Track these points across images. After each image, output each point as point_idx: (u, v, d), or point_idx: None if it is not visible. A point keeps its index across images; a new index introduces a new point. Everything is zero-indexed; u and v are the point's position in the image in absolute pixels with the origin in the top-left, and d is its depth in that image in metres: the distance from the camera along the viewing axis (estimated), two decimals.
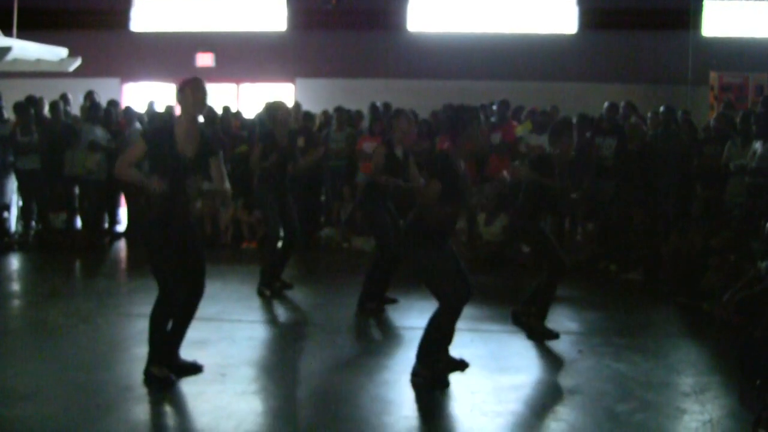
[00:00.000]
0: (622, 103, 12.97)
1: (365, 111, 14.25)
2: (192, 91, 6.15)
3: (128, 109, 13.91)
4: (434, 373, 6.39)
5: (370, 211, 8.79)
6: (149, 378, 6.22)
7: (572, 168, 9.78)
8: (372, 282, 8.78)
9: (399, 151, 8.53)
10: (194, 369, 6.44)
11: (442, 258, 6.32)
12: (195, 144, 6.21)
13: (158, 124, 6.36)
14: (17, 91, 14.02)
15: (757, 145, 10.34)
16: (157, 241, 6.13)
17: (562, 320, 8.22)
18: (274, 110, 9.50)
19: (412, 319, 8.29)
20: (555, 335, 7.69)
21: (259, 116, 10.76)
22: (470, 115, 6.46)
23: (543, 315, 7.80)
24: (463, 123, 6.41)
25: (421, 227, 6.30)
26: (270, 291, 9.44)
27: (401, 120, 8.61)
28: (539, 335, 7.67)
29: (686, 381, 6.57)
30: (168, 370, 6.27)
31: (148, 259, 6.24)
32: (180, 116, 6.29)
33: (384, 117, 13.33)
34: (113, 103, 14.52)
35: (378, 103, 13.82)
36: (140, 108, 14.44)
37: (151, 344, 6.25)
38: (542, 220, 8.18)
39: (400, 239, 6.63)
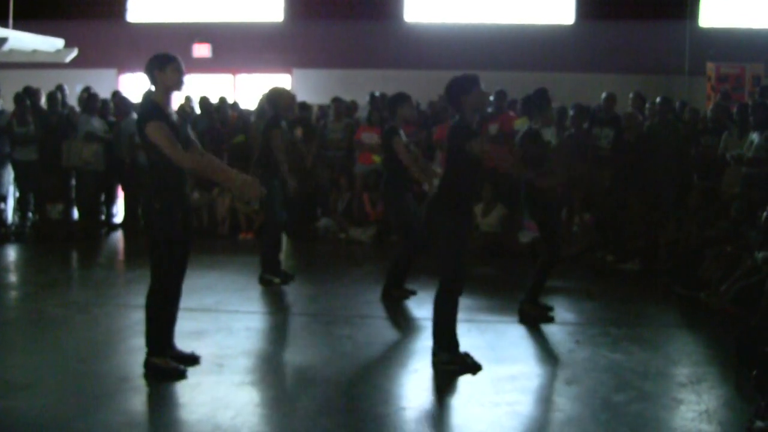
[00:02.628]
0: (630, 95, 12.92)
1: (360, 101, 14.24)
2: (173, 69, 6.13)
3: (124, 99, 13.89)
4: (458, 357, 6.46)
5: (394, 199, 8.77)
6: (152, 370, 6.18)
7: (570, 158, 9.77)
8: (398, 269, 8.76)
9: (403, 136, 8.57)
10: (192, 360, 6.43)
11: (463, 235, 6.46)
12: (174, 119, 6.26)
13: (148, 105, 6.29)
14: (13, 82, 14.00)
15: (754, 136, 10.34)
16: (166, 230, 6.11)
17: (559, 311, 8.22)
18: (276, 97, 9.42)
19: (411, 310, 8.32)
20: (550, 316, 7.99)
21: (260, 105, 10.76)
22: (470, 81, 6.50)
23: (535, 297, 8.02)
24: (465, 89, 6.45)
25: (451, 196, 6.44)
26: (279, 279, 9.41)
27: (405, 106, 8.60)
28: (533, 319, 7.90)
29: (683, 371, 6.58)
30: (171, 360, 6.28)
31: (151, 248, 6.20)
32: (158, 94, 6.19)
33: (382, 107, 13.34)
34: (116, 94, 14.48)
35: (377, 94, 13.82)
36: (136, 98, 14.41)
37: (150, 335, 6.21)
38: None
39: (427, 209, 6.71)
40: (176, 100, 6.36)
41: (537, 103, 8.12)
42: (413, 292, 8.80)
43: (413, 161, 8.43)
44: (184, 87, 6.28)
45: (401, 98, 8.63)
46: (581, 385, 6.22)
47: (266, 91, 9.49)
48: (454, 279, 6.42)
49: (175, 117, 6.22)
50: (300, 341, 7.62)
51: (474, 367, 6.43)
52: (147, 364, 6.21)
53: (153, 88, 6.23)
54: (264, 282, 9.34)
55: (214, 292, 8.71)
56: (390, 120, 8.78)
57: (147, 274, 6.21)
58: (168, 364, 6.22)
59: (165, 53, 6.22)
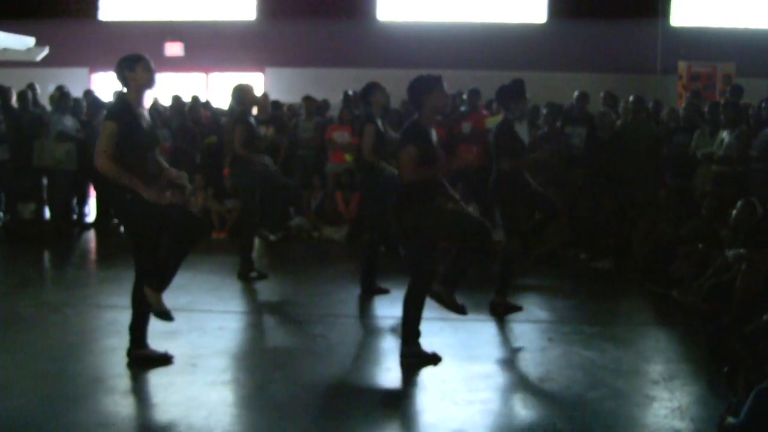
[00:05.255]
0: (601, 94, 12.97)
1: (333, 100, 14.22)
2: (143, 68, 6.16)
3: (95, 99, 13.80)
4: (420, 349, 6.51)
5: (366, 192, 8.78)
6: (138, 361, 6.30)
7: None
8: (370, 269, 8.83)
9: (380, 124, 8.60)
10: (165, 360, 6.42)
11: (428, 228, 6.38)
12: (145, 120, 6.27)
13: (116, 103, 6.32)
14: None
15: (725, 134, 10.42)
16: (139, 216, 6.09)
17: (532, 309, 8.26)
18: (242, 93, 9.41)
19: (384, 308, 8.32)
20: (518, 308, 8.01)
21: (232, 104, 10.75)
22: (432, 82, 6.54)
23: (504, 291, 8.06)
24: (426, 89, 6.49)
25: (406, 194, 6.37)
26: (256, 274, 9.47)
27: (377, 92, 8.61)
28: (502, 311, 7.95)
29: (655, 368, 6.62)
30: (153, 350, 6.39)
31: (128, 239, 6.29)
32: (129, 94, 6.21)
33: (355, 107, 13.33)
34: (88, 93, 14.40)
35: (351, 92, 13.81)
36: (106, 98, 14.33)
37: (134, 328, 6.35)
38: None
39: (390, 212, 6.68)
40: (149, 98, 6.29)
41: (512, 94, 8.07)
42: (386, 290, 8.83)
43: (368, 151, 8.52)
44: (155, 85, 6.29)
45: (371, 86, 8.66)
46: (554, 383, 6.24)
47: (234, 86, 9.49)
48: (420, 274, 6.46)
49: (146, 118, 6.25)
50: (273, 340, 7.62)
51: (432, 359, 6.52)
52: (132, 357, 6.33)
53: (125, 90, 6.23)
54: (242, 278, 9.38)
55: (186, 292, 8.66)
56: (366, 108, 8.78)
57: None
58: (154, 353, 6.38)
59: (133, 53, 6.24)
